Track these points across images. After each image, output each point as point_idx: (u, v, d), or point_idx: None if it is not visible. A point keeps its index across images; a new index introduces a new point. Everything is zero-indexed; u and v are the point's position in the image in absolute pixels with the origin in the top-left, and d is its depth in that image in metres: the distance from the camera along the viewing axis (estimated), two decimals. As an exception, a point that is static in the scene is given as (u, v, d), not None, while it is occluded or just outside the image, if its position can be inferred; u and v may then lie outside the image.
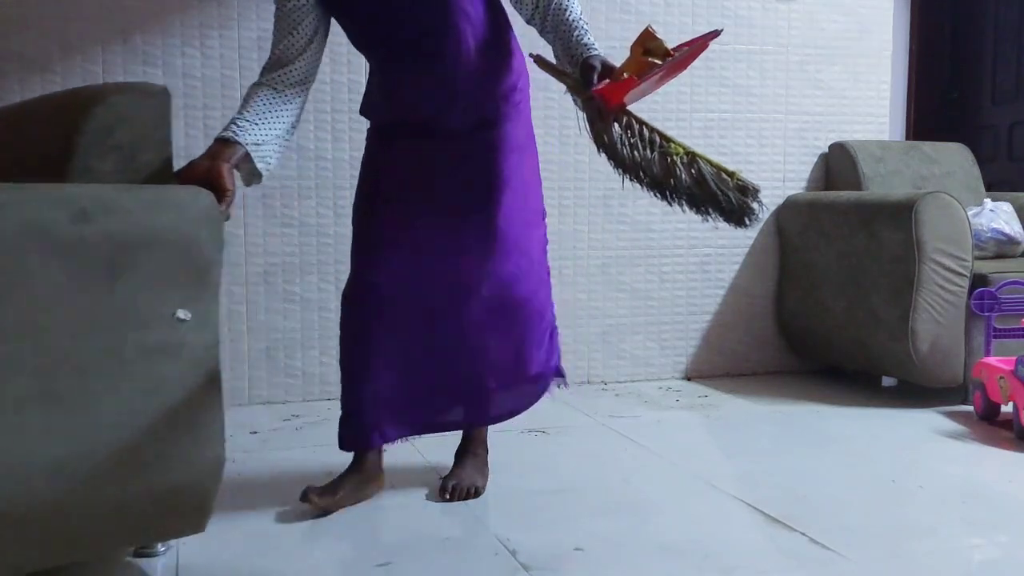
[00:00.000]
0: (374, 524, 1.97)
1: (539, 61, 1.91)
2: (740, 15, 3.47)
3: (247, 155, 1.71)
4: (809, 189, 3.59)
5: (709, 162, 1.82)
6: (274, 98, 1.81)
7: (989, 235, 3.24)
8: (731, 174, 1.82)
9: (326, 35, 1.95)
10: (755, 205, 1.82)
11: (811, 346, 3.44)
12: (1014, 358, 2.64)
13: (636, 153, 1.79)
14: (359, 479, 2.08)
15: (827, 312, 3.26)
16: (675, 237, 3.45)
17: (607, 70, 1.82)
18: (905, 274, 2.92)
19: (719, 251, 3.51)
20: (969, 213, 3.07)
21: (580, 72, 1.85)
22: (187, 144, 2.94)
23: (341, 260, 3.10)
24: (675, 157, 1.80)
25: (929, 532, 1.92)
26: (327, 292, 3.10)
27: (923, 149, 3.62)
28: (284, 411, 2.96)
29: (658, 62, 1.76)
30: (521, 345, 2.10)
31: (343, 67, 3.06)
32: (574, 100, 1.93)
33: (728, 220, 1.84)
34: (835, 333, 3.24)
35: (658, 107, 3.36)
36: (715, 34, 1.81)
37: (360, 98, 2.81)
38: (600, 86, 1.78)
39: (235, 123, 1.74)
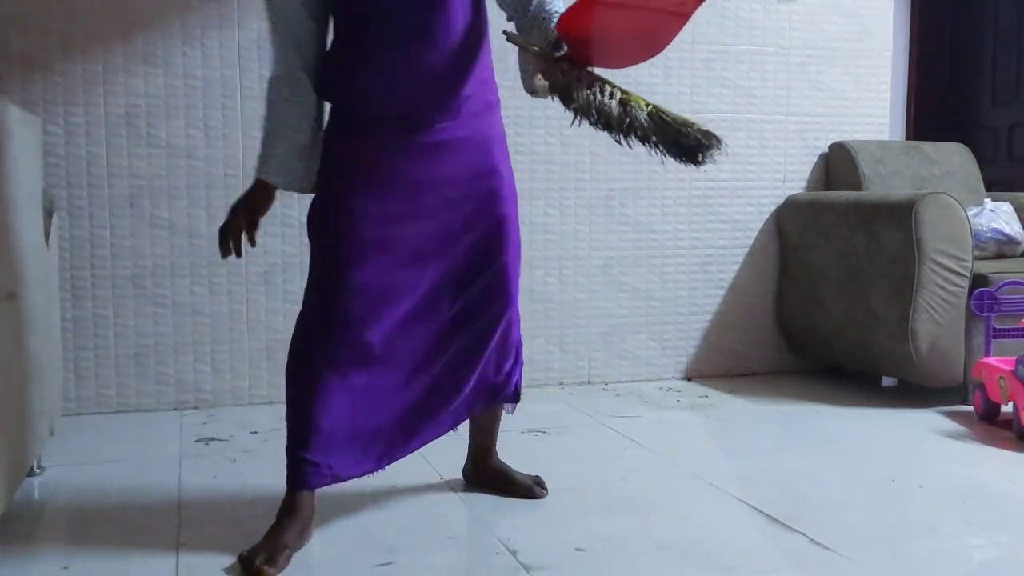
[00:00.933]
0: (374, 524, 1.97)
1: (511, 37, 1.85)
2: (741, 16, 3.47)
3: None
4: (809, 189, 3.59)
5: (669, 114, 1.78)
6: (308, 124, 1.82)
7: (989, 235, 3.24)
8: (692, 123, 1.76)
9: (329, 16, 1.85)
10: (714, 142, 1.74)
11: (811, 346, 3.44)
12: (1014, 358, 2.64)
13: (593, 98, 1.75)
14: (301, 524, 1.84)
15: (827, 312, 3.26)
16: (677, 238, 3.45)
17: None
18: (905, 274, 2.92)
19: (720, 251, 3.51)
20: (969, 213, 3.07)
21: (553, 44, 1.82)
22: (187, 144, 2.95)
23: (341, 260, 3.10)
24: (633, 104, 1.77)
25: (929, 532, 1.93)
26: (327, 292, 3.10)
27: (923, 149, 3.63)
28: (284, 411, 2.95)
29: None
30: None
31: (344, 67, 3.06)
32: (527, 71, 1.88)
33: (681, 155, 1.76)
34: (835, 333, 3.24)
35: (658, 107, 3.36)
36: None
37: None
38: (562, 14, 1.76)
39: (280, 168, 1.81)
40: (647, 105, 1.78)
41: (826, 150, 3.60)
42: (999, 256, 3.25)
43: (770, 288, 3.57)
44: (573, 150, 3.31)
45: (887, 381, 3.26)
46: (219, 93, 2.97)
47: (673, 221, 3.44)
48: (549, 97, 1.85)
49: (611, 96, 1.76)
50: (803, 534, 1.88)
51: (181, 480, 2.26)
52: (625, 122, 1.74)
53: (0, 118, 1.82)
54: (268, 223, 3.04)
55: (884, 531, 1.92)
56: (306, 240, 3.06)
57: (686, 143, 1.75)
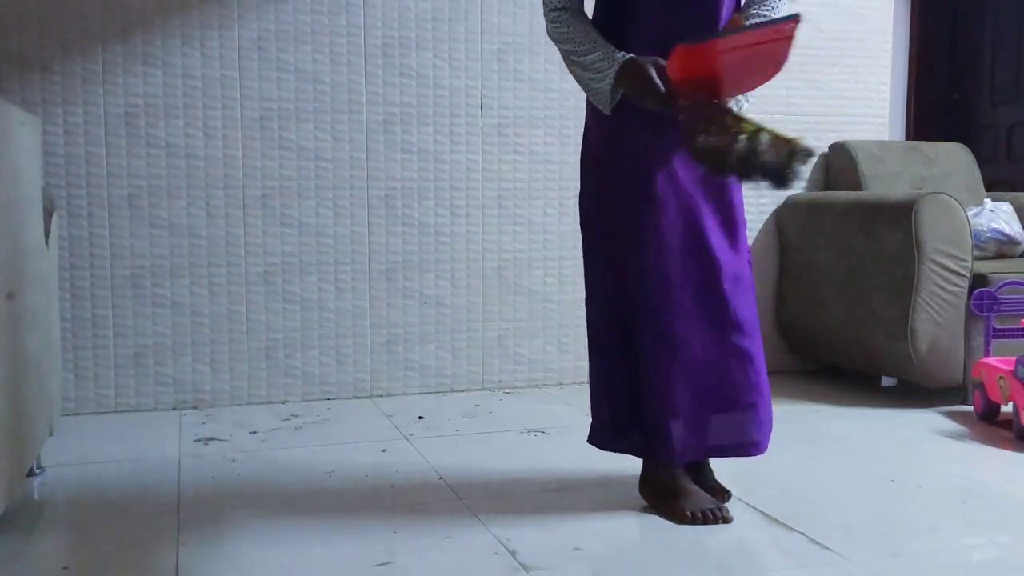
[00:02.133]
0: (374, 524, 1.97)
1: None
2: (740, 15, 3.46)
3: None
4: (809, 189, 3.59)
5: (773, 134, 1.84)
6: None
7: (989, 235, 3.24)
8: (788, 140, 1.83)
9: None
10: (797, 167, 1.83)
11: (811, 346, 3.44)
12: (1014, 358, 2.64)
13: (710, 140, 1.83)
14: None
15: (827, 312, 3.26)
16: (675, 237, 3.45)
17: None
18: (905, 274, 2.92)
19: (719, 251, 3.50)
20: (969, 213, 3.07)
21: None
22: (187, 144, 2.95)
23: (341, 260, 3.10)
24: (738, 141, 1.82)
25: (929, 532, 1.93)
26: (327, 292, 3.10)
27: (923, 150, 3.63)
28: (283, 411, 2.96)
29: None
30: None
31: (343, 67, 3.06)
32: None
33: (773, 182, 1.86)
34: (835, 333, 3.24)
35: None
36: (795, 19, 1.74)
37: (358, 102, 2.80)
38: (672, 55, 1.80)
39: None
40: (755, 129, 1.83)
41: (826, 150, 3.60)
42: (999, 256, 3.25)
43: (770, 288, 3.56)
44: (572, 149, 3.30)
45: (887, 381, 3.26)
46: (219, 93, 2.97)
47: (673, 221, 3.43)
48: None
49: (726, 129, 1.81)
50: (803, 534, 1.88)
51: (181, 480, 2.26)
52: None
53: (0, 118, 1.81)
54: (268, 223, 3.06)
55: (884, 531, 1.92)
56: (306, 240, 3.08)
57: (770, 169, 1.84)
